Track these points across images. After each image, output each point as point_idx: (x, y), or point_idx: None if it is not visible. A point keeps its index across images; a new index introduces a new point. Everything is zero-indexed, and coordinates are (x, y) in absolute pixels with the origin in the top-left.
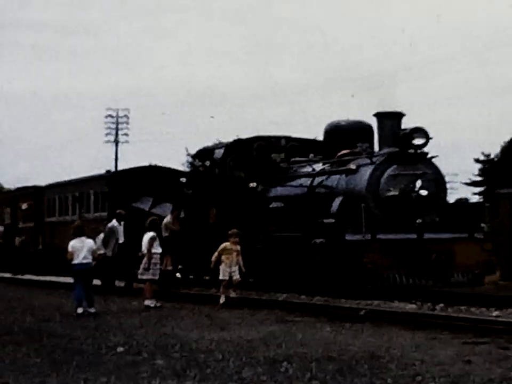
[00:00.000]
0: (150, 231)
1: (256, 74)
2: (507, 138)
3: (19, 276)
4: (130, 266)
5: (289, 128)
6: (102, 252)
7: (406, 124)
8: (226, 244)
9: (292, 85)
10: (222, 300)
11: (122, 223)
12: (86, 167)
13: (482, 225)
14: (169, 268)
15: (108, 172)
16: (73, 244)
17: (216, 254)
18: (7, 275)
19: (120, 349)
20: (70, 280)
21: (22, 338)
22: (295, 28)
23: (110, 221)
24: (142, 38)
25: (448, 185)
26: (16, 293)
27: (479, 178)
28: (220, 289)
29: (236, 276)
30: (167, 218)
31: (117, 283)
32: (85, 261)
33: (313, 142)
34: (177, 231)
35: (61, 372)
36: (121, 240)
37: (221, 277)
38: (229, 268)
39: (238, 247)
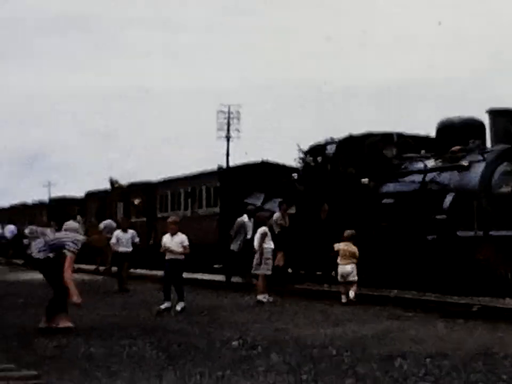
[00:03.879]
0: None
1: (367, 71)
2: None
3: (131, 271)
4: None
5: (401, 126)
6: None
7: None
8: (340, 245)
9: (403, 82)
10: (344, 299)
11: (252, 219)
12: (197, 162)
13: None
14: (281, 263)
15: (220, 167)
16: (165, 239)
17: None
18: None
19: (234, 344)
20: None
21: (137, 332)
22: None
23: (223, 216)
24: (253, 34)
25: None
26: (129, 287)
27: None
28: (341, 289)
29: (352, 278)
30: (276, 214)
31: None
32: (173, 256)
33: (426, 139)
34: (287, 226)
35: (176, 366)
36: (249, 236)
37: (340, 279)
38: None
39: (353, 248)
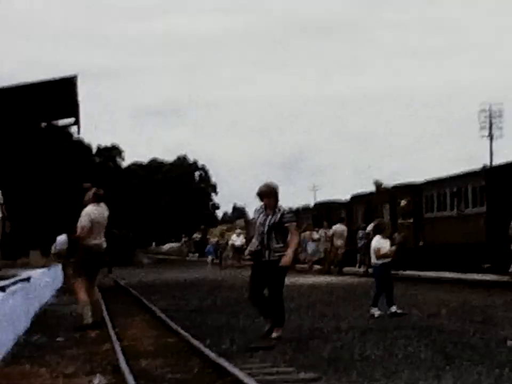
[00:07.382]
0: None
1: None
2: None
3: (400, 272)
4: None
5: None
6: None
7: None
8: None
9: None
10: None
11: None
12: (459, 162)
13: None
14: None
15: (484, 166)
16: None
17: None
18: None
19: (510, 343)
20: (451, 275)
21: (411, 333)
22: None
23: (490, 215)
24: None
25: None
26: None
27: None
28: None
29: None
30: None
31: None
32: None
33: None
34: None
35: (453, 365)
36: None
37: None
38: None
39: None
